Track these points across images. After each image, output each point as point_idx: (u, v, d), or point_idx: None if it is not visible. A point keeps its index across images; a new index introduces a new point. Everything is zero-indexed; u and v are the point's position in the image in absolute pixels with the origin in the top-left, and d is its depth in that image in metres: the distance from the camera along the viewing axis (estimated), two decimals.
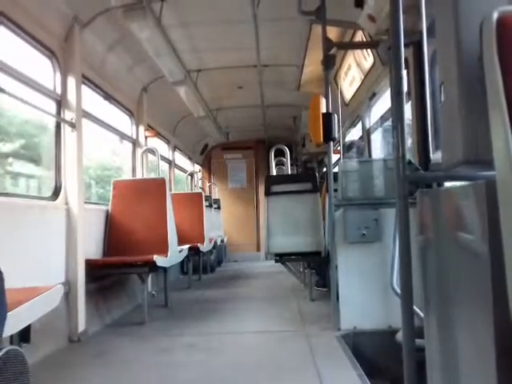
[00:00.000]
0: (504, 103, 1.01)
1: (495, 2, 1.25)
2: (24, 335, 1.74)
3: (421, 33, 2.74)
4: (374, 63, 4.34)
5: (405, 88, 1.83)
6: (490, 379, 1.04)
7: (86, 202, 3.80)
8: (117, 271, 3.93)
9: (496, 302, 1.04)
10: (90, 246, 3.89)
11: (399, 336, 2.51)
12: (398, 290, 2.52)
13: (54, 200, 3.35)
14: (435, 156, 2.96)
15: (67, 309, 3.23)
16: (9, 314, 1.47)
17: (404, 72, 1.81)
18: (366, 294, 3.10)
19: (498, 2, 1.27)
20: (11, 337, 1.70)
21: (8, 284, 1.46)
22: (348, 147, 5.74)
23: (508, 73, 1.04)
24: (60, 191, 3.39)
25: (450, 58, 1.32)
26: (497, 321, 1.04)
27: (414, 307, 1.56)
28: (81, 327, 3.31)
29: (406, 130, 1.75)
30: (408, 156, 1.58)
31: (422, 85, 3.03)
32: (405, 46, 3.01)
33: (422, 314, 1.67)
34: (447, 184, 1.76)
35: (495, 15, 1.06)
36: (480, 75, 1.13)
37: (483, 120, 1.10)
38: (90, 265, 3.62)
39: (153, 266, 3.70)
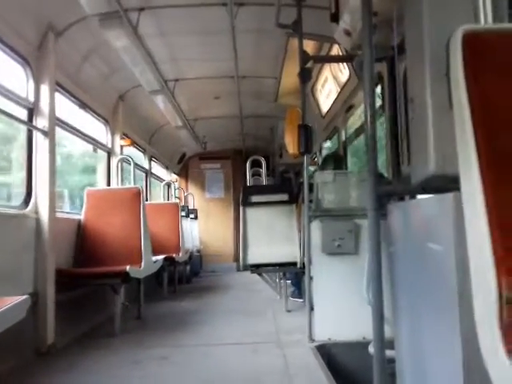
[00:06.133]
0: (468, 117, 1.04)
1: (460, 20, 1.30)
2: None
3: (393, 48, 2.81)
4: (350, 77, 4.42)
5: (378, 102, 1.86)
6: None
7: (57, 211, 3.71)
8: (89, 282, 3.84)
9: (462, 311, 1.06)
10: (61, 256, 3.79)
11: (371, 347, 2.53)
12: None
13: (24, 209, 3.26)
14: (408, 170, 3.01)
15: (35, 320, 3.12)
16: None
17: (378, 86, 1.84)
18: (340, 305, 3.11)
19: (463, 20, 1.32)
20: None
21: None
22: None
23: (473, 88, 1.07)
24: (30, 200, 3.31)
25: (419, 74, 1.35)
26: (463, 330, 1.06)
27: (387, 318, 1.57)
28: (50, 339, 3.21)
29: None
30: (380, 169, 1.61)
31: (395, 99, 3.11)
32: (379, 60, 3.09)
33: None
34: (419, 197, 1.80)
35: (461, 33, 1.10)
36: (447, 91, 1.16)
37: (451, 135, 1.13)
38: (61, 275, 3.53)
39: (126, 277, 3.63)
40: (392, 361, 1.70)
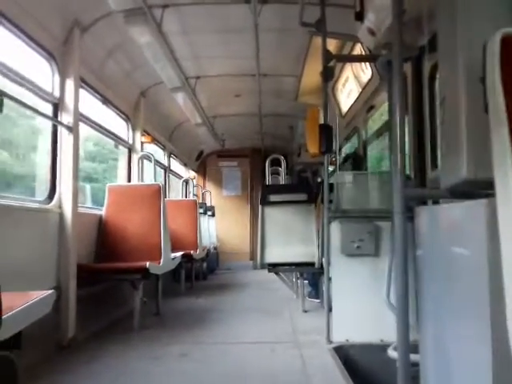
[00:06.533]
0: (505, 123, 1.02)
1: (497, 21, 1.27)
2: (15, 341, 1.71)
3: (421, 48, 2.77)
4: (372, 76, 4.37)
5: None
6: None
7: (79, 206, 3.77)
8: (109, 277, 3.89)
9: (494, 319, 1.04)
10: (82, 251, 3.84)
11: (391, 350, 2.51)
12: (393, 304, 2.52)
13: (48, 203, 3.32)
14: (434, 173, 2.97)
15: (57, 314, 3.17)
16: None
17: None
18: (359, 307, 3.09)
19: (500, 21, 1.29)
20: (1, 342, 1.67)
21: None
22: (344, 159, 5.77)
23: (510, 93, 1.05)
24: (54, 195, 3.37)
25: (452, 76, 1.33)
26: (494, 338, 1.04)
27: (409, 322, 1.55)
28: (70, 333, 3.26)
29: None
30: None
31: (420, 100, 3.07)
32: (405, 60, 3.04)
33: (416, 329, 1.67)
34: (441, 201, 1.77)
35: (499, 36, 1.08)
36: (482, 94, 1.14)
37: (484, 139, 1.11)
38: (82, 270, 3.58)
39: (146, 273, 3.67)
40: (413, 365, 1.68)
